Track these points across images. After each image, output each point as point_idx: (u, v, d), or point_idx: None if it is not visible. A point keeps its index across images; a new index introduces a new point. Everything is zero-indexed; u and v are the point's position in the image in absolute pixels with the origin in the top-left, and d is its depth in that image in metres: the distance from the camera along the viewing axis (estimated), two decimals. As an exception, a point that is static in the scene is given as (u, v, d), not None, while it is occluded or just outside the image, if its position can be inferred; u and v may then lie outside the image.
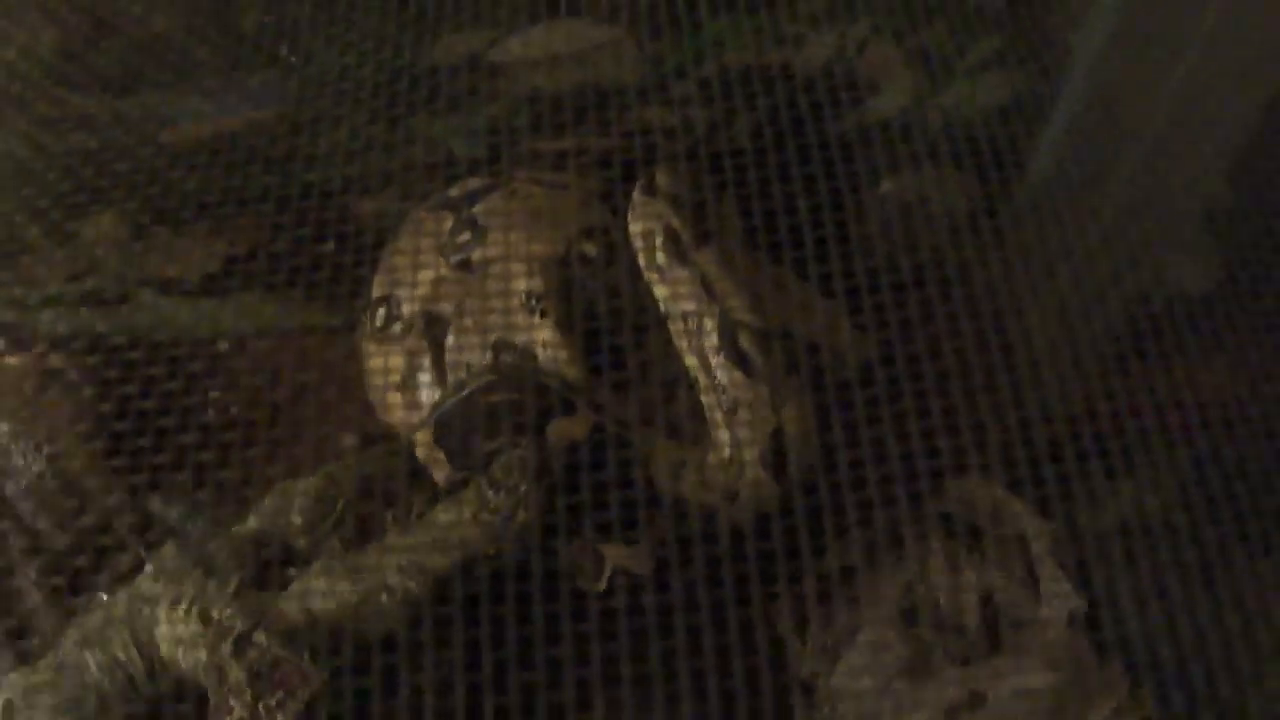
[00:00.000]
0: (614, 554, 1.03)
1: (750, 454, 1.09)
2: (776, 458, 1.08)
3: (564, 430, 1.04)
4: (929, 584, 1.10)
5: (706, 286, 1.12)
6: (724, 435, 1.11)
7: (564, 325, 1.13)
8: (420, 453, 1.08)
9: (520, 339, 1.13)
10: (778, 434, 1.09)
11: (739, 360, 1.10)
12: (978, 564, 1.11)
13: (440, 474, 1.06)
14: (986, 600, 1.09)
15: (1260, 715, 0.98)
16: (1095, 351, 1.16)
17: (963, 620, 1.08)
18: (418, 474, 1.08)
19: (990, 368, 1.09)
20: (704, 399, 1.13)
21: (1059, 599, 1.07)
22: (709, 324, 1.12)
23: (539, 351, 1.12)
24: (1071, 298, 1.16)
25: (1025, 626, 1.08)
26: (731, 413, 1.11)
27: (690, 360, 1.13)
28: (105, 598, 1.05)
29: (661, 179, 1.16)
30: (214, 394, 1.22)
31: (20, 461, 1.17)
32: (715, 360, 1.11)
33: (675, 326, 1.14)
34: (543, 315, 1.13)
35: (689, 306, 1.13)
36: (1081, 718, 1.00)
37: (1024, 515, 1.11)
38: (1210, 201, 1.27)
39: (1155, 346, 1.13)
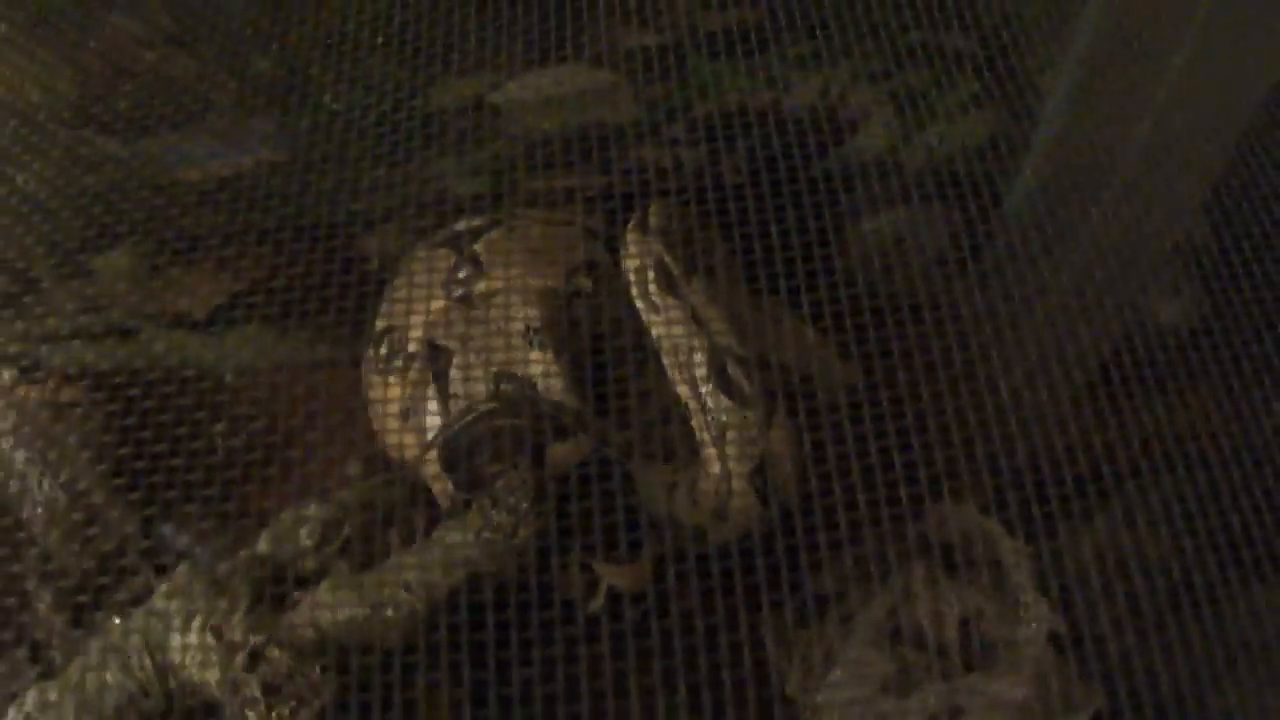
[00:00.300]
0: (608, 573, 1.06)
1: (739, 477, 1.13)
2: (764, 480, 1.12)
3: (562, 455, 1.07)
4: (911, 605, 1.13)
5: (695, 317, 1.16)
6: (713, 458, 1.14)
7: (561, 356, 1.16)
8: (426, 473, 1.11)
9: (520, 369, 1.16)
10: (764, 457, 1.13)
11: (726, 387, 1.14)
12: (959, 586, 1.14)
13: (444, 496, 1.09)
14: (967, 621, 1.12)
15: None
16: (1075, 384, 1.17)
17: (944, 639, 1.11)
18: (421, 498, 1.10)
19: (971, 398, 1.11)
20: (694, 424, 1.16)
21: (1038, 620, 1.09)
22: (698, 353, 1.16)
23: (538, 381, 1.15)
24: (1051, 332, 1.18)
25: (1005, 645, 1.10)
26: (720, 437, 1.14)
27: (681, 388, 1.16)
28: (120, 618, 1.07)
29: (653, 216, 1.20)
30: (220, 425, 1.24)
31: (36, 487, 1.19)
32: (704, 387, 1.15)
33: (667, 356, 1.17)
34: (541, 347, 1.16)
35: (679, 336, 1.16)
36: (1059, 729, 1.03)
37: (1003, 539, 1.13)
38: (1188, 237, 1.29)
39: (1135, 380, 1.15)
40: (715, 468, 1.15)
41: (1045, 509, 1.06)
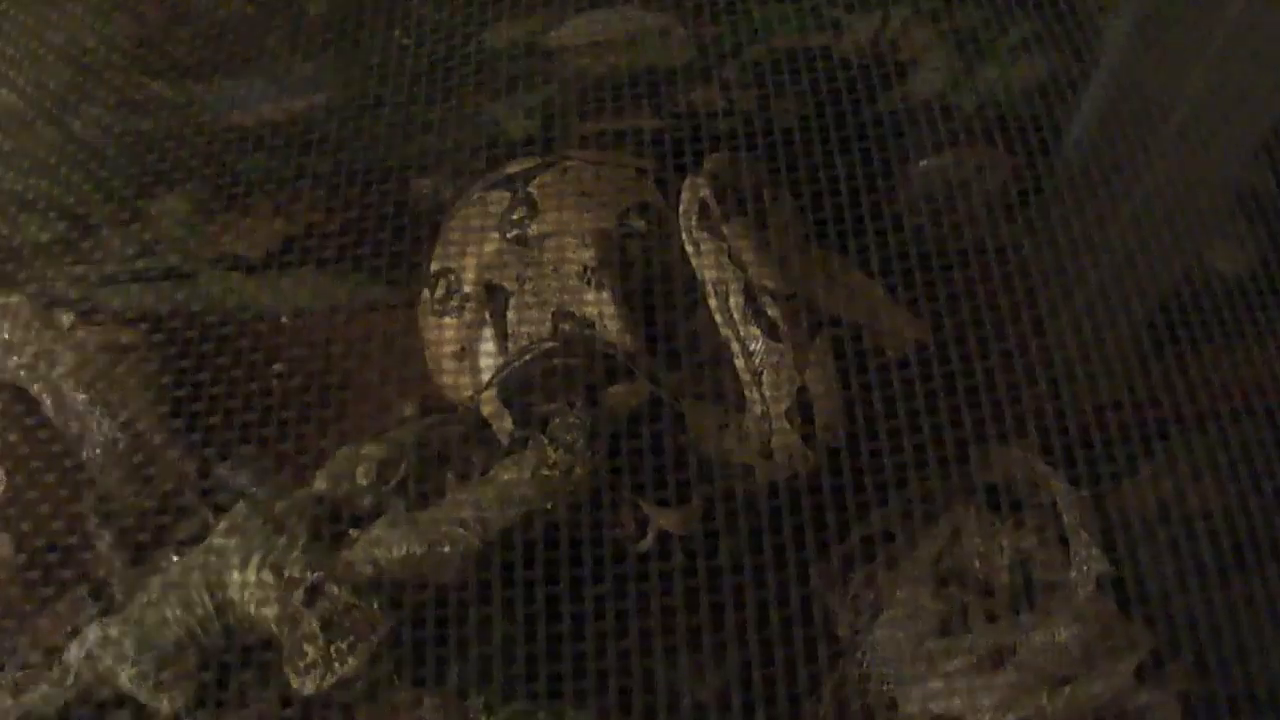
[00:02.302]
0: (658, 515, 1.07)
1: (776, 415, 1.14)
2: (802, 416, 1.13)
3: (621, 397, 1.08)
4: (961, 547, 1.13)
5: (733, 255, 1.17)
6: (754, 396, 1.15)
7: (619, 297, 1.17)
8: (486, 410, 1.11)
9: (578, 309, 1.17)
10: (801, 392, 1.13)
11: (762, 323, 1.15)
12: (1010, 529, 1.14)
13: (504, 432, 1.10)
14: (1016, 563, 1.13)
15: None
16: (1129, 329, 1.17)
17: (993, 581, 1.12)
18: (478, 437, 1.11)
19: (1026, 342, 1.11)
20: (736, 363, 1.17)
21: (1089, 564, 1.09)
22: (735, 290, 1.16)
23: (596, 321, 1.16)
24: (1105, 276, 1.17)
25: (1054, 588, 1.11)
26: (758, 374, 1.15)
27: (725, 328, 1.17)
28: (179, 556, 1.09)
29: (709, 161, 1.20)
30: (277, 366, 1.26)
31: (96, 429, 1.21)
32: (742, 324, 1.16)
33: (709, 295, 1.18)
34: (599, 287, 1.17)
35: (718, 274, 1.17)
36: (1109, 671, 1.04)
37: (1055, 482, 1.13)
38: (1245, 183, 1.27)
39: (1190, 327, 1.14)
40: (758, 406, 1.15)
41: (1097, 453, 1.06)
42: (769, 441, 1.13)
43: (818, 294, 1.16)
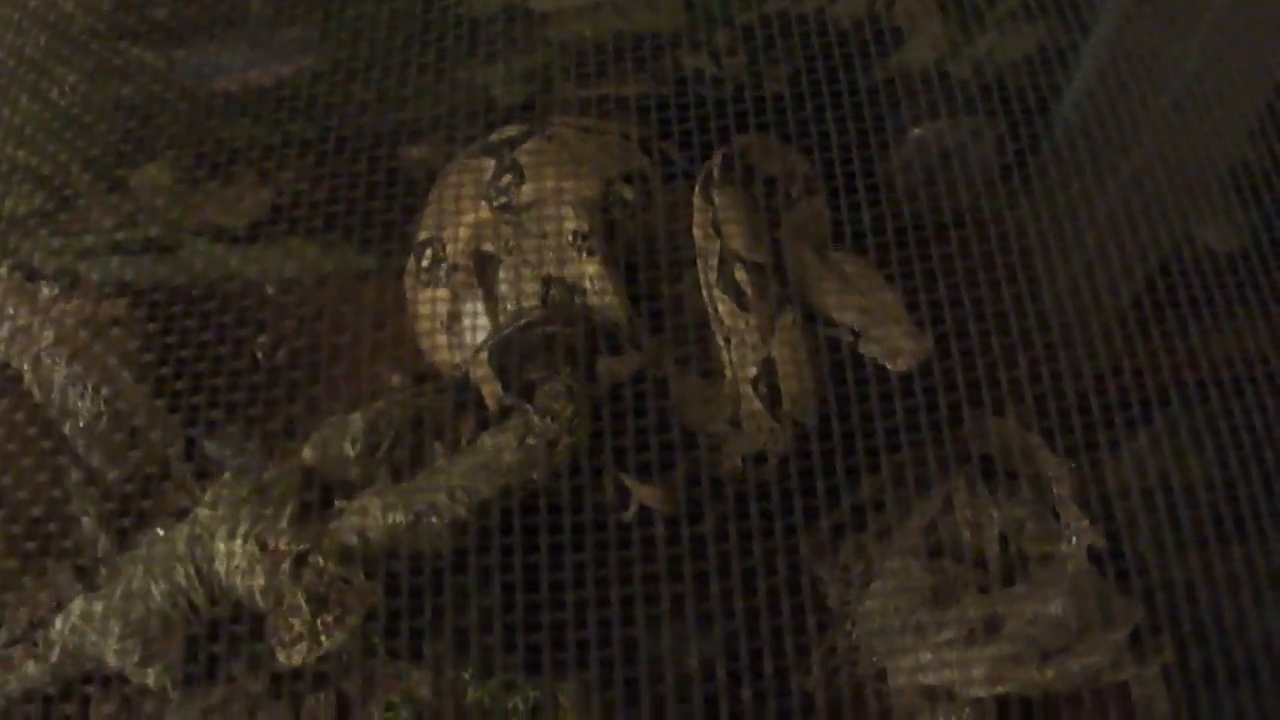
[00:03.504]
0: (639, 491, 1.06)
1: (743, 381, 1.14)
2: (769, 387, 1.12)
3: (611, 368, 1.08)
4: (951, 518, 1.13)
5: (716, 222, 1.17)
6: (726, 361, 1.16)
7: (610, 263, 1.16)
8: (477, 374, 1.11)
9: (569, 276, 1.16)
10: (768, 363, 1.13)
11: (733, 291, 1.15)
12: (1000, 501, 1.14)
13: (493, 398, 1.09)
14: (1008, 535, 1.13)
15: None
16: (1118, 301, 1.17)
17: (984, 553, 1.12)
18: (466, 405, 1.10)
19: (1014, 313, 1.11)
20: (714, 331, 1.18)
21: (1078, 535, 1.10)
22: (712, 256, 1.17)
23: (588, 288, 1.15)
24: (1096, 250, 1.17)
25: (1045, 560, 1.11)
26: (729, 341, 1.15)
27: (705, 293, 1.18)
28: (164, 530, 1.08)
29: (741, 138, 1.21)
30: (263, 337, 1.25)
31: (78, 403, 1.20)
32: (715, 292, 1.16)
33: (697, 261, 1.19)
34: (590, 254, 1.16)
35: (703, 240, 1.18)
36: (1099, 643, 1.04)
37: (1045, 454, 1.13)
38: (1237, 159, 1.27)
39: (1178, 301, 1.14)
40: (729, 371, 1.16)
41: (1087, 424, 1.06)
42: (738, 411, 1.13)
43: (828, 299, 1.15)
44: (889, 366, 1.09)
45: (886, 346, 1.10)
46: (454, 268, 1.19)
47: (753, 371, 1.14)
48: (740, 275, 1.15)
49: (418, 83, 1.29)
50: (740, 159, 1.20)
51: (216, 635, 1.03)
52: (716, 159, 1.19)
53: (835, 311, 1.13)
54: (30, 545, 1.10)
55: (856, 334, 1.11)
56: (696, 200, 1.19)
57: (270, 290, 1.30)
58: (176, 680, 1.02)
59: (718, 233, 1.17)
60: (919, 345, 1.09)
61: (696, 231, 1.19)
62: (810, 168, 1.22)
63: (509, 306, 1.15)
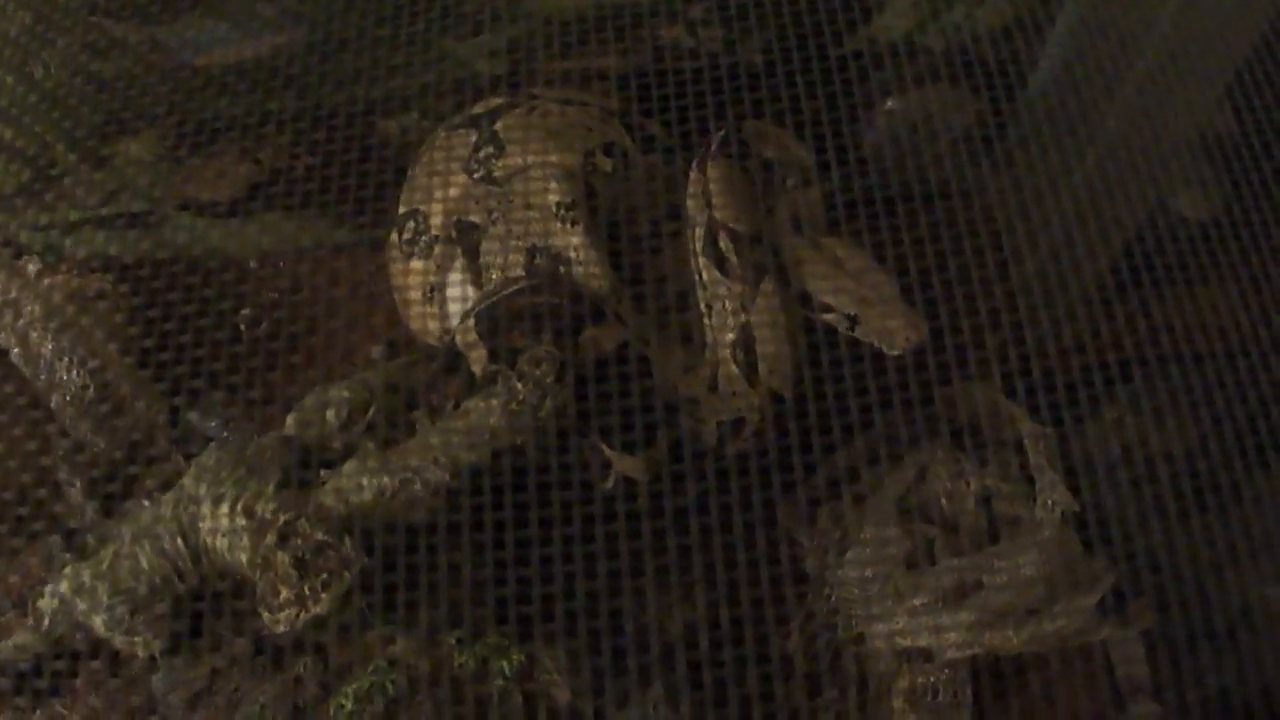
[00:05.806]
0: (618, 461, 1.07)
1: (723, 346, 1.15)
2: (747, 354, 1.14)
3: (596, 338, 1.08)
4: (928, 483, 1.15)
5: (705, 191, 1.18)
6: (707, 325, 1.17)
7: (593, 233, 1.17)
8: (463, 339, 1.11)
9: (554, 245, 1.17)
10: (746, 329, 1.14)
11: (716, 259, 1.16)
12: (976, 466, 1.15)
13: (478, 364, 1.10)
14: (983, 499, 1.14)
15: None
16: (1093, 270, 1.18)
17: (960, 518, 1.14)
18: (454, 370, 1.11)
19: (991, 281, 1.12)
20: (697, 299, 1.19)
21: (1054, 500, 1.11)
22: (700, 224, 1.18)
23: (572, 257, 1.16)
24: (1069, 218, 1.18)
25: (1019, 524, 1.12)
26: (710, 307, 1.17)
27: (691, 261, 1.19)
28: (151, 502, 1.10)
29: (748, 123, 1.22)
30: (245, 311, 1.27)
31: (64, 377, 1.20)
32: (701, 260, 1.18)
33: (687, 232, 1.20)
34: (573, 223, 1.17)
35: (693, 209, 1.20)
36: (1071, 605, 1.05)
37: (1022, 420, 1.14)
38: (1212, 128, 1.27)
39: (1154, 271, 1.15)
40: (709, 335, 1.17)
41: (1063, 391, 1.07)
42: (715, 377, 1.15)
43: (823, 285, 1.15)
44: (886, 350, 1.09)
45: (883, 331, 1.10)
46: (436, 239, 1.20)
47: (731, 336, 1.15)
48: (725, 244, 1.16)
49: (399, 57, 1.30)
50: (739, 137, 1.21)
51: (205, 604, 1.04)
52: (717, 135, 1.20)
53: (831, 297, 1.13)
54: (18, 518, 1.10)
55: (853, 319, 1.12)
56: (692, 172, 1.20)
57: (252, 264, 1.30)
58: (166, 649, 1.03)
59: (708, 203, 1.18)
60: (915, 329, 1.09)
61: (689, 201, 1.20)
62: (811, 160, 1.23)
63: (494, 276, 1.16)
